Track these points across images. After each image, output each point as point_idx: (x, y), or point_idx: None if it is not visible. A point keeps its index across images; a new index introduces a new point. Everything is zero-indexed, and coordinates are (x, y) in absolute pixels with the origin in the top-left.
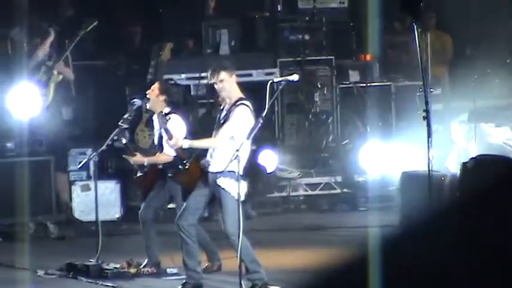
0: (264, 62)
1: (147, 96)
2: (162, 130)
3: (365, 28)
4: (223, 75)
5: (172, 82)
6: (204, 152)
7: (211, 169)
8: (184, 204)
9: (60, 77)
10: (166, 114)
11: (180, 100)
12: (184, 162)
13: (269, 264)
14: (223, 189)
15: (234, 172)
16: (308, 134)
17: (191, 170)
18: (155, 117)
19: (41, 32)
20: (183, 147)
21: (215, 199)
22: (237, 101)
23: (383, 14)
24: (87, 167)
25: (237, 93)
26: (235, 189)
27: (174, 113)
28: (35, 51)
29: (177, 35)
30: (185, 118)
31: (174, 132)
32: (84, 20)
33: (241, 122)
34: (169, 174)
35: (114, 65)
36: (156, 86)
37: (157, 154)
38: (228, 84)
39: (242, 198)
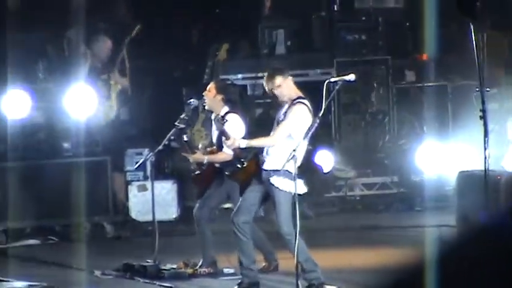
0: (320, 62)
1: (204, 96)
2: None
3: (421, 28)
4: (279, 80)
5: (229, 82)
6: (261, 150)
7: (265, 166)
8: (240, 201)
9: (119, 86)
10: (224, 114)
11: (237, 100)
12: (242, 160)
13: (326, 264)
14: (277, 187)
15: (288, 171)
16: (364, 134)
17: (248, 168)
18: (213, 117)
19: (97, 36)
20: (241, 146)
21: (269, 197)
22: (295, 100)
23: (439, 14)
24: (144, 167)
25: (295, 92)
26: (288, 188)
27: (233, 112)
28: (91, 54)
29: (233, 35)
30: (243, 117)
31: (232, 133)
32: (128, 26)
33: (299, 120)
34: (227, 173)
35: (170, 65)
36: (212, 86)
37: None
38: (285, 88)
39: (301, 192)
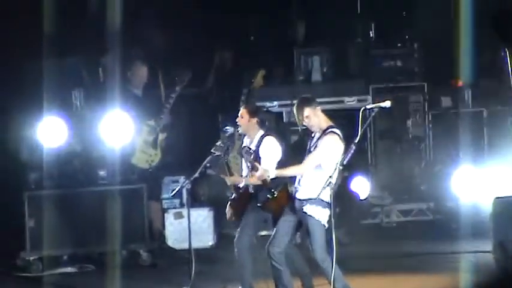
0: (356, 88)
1: (238, 123)
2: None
3: (457, 54)
4: (307, 111)
5: (265, 109)
6: (293, 180)
7: (298, 196)
8: (274, 230)
9: (165, 134)
10: (260, 139)
11: (272, 127)
12: (273, 191)
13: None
14: (310, 216)
15: (321, 200)
16: (400, 160)
17: (280, 198)
18: (240, 149)
19: (133, 62)
20: (270, 177)
21: (301, 226)
22: (326, 129)
23: (475, 40)
24: (180, 195)
25: (325, 122)
26: (321, 215)
27: (269, 134)
28: (128, 81)
29: (269, 62)
30: (279, 140)
31: (263, 159)
32: (178, 73)
33: (330, 149)
34: (259, 204)
35: (205, 92)
36: (244, 111)
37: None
38: (314, 118)
39: (325, 224)
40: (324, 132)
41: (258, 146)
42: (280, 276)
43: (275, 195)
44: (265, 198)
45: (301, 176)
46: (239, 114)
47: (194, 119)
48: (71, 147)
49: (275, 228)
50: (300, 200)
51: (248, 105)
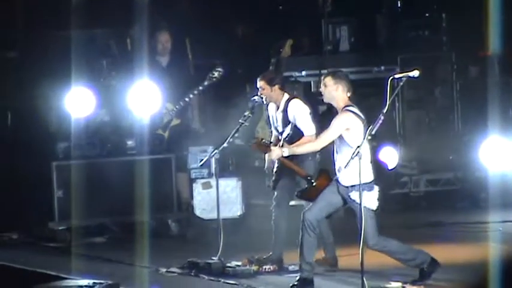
0: (384, 58)
1: (262, 95)
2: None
3: (485, 23)
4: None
5: (293, 79)
6: (333, 165)
7: (342, 182)
8: (317, 199)
9: (179, 121)
10: (288, 101)
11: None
12: (310, 179)
13: (390, 261)
14: (358, 203)
15: (365, 183)
16: (429, 130)
17: (319, 185)
18: (270, 109)
19: (157, 34)
20: (284, 155)
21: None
22: (343, 108)
23: (504, 9)
24: (209, 165)
25: (343, 102)
26: (369, 200)
27: (294, 97)
28: (153, 51)
29: (297, 31)
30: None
31: (298, 124)
32: (211, 68)
33: (345, 126)
34: (297, 194)
35: (234, 62)
36: (262, 83)
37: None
38: (333, 95)
39: (374, 207)
40: (341, 110)
41: (285, 110)
42: (308, 243)
43: (314, 184)
44: (303, 187)
45: (339, 162)
46: (259, 87)
47: (222, 88)
48: (99, 118)
49: (319, 197)
50: (344, 186)
51: (264, 75)
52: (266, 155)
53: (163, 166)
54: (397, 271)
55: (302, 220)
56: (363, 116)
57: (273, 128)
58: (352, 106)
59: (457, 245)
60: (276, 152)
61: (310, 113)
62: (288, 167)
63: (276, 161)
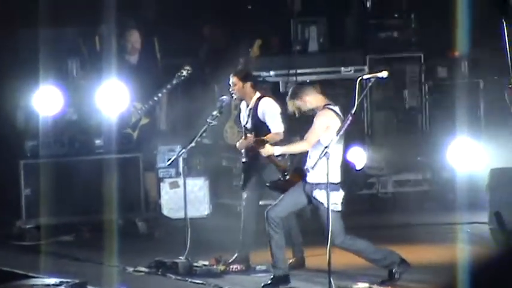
0: (352, 59)
1: (233, 91)
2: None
3: (454, 24)
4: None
5: (261, 79)
6: (304, 162)
7: (308, 179)
8: (280, 198)
9: (148, 120)
10: (259, 98)
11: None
12: (285, 173)
13: (357, 262)
14: (322, 203)
15: (331, 183)
16: (397, 131)
17: (291, 179)
18: (242, 107)
19: (126, 33)
20: (275, 154)
21: (310, 206)
22: (323, 107)
23: (471, 10)
24: (176, 164)
25: (321, 101)
26: (331, 200)
27: (265, 96)
28: (123, 50)
29: (265, 32)
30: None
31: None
32: (179, 67)
33: (325, 125)
34: (268, 185)
35: (202, 62)
36: (235, 79)
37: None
38: (312, 101)
39: (339, 208)
40: (321, 109)
41: (255, 108)
42: (275, 241)
43: (287, 177)
44: (277, 180)
45: (308, 158)
46: (231, 83)
47: (190, 88)
48: (67, 116)
49: (282, 196)
50: (309, 183)
51: (237, 71)
52: (238, 143)
53: (131, 165)
54: (365, 272)
55: (266, 218)
56: (342, 115)
57: (242, 126)
58: (331, 104)
59: (424, 246)
60: (268, 149)
61: (280, 113)
62: (271, 161)
63: (243, 161)
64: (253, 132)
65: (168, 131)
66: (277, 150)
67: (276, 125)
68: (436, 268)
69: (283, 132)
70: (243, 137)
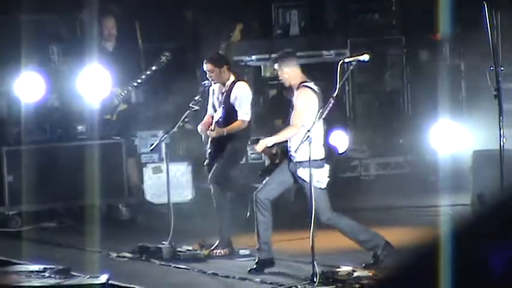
0: (334, 42)
1: (210, 77)
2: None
3: (435, 7)
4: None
5: (243, 63)
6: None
7: (292, 158)
8: (267, 179)
9: (126, 106)
10: (233, 82)
11: (250, 81)
12: (274, 158)
13: (340, 244)
14: (305, 181)
15: (314, 160)
16: (379, 114)
17: (280, 163)
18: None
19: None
20: (269, 145)
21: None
22: (299, 85)
23: None
24: (159, 149)
25: (299, 78)
26: (317, 177)
27: (240, 80)
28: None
29: (247, 16)
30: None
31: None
32: (160, 51)
33: (306, 103)
34: (260, 172)
35: (183, 47)
36: (209, 66)
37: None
38: (289, 73)
39: (324, 185)
40: (298, 87)
41: (229, 91)
42: (262, 222)
43: (277, 162)
44: (267, 167)
45: (289, 142)
46: (207, 71)
47: (172, 73)
48: (49, 103)
49: (269, 177)
50: (293, 162)
51: (209, 58)
52: (209, 132)
53: (114, 151)
54: (349, 256)
55: (254, 200)
56: (318, 91)
57: (210, 107)
58: (308, 81)
59: (407, 229)
60: (262, 144)
61: (252, 99)
62: (265, 154)
63: (208, 143)
64: (221, 119)
65: (148, 116)
66: (270, 142)
67: (243, 112)
68: (417, 250)
69: (249, 121)
70: (212, 125)
